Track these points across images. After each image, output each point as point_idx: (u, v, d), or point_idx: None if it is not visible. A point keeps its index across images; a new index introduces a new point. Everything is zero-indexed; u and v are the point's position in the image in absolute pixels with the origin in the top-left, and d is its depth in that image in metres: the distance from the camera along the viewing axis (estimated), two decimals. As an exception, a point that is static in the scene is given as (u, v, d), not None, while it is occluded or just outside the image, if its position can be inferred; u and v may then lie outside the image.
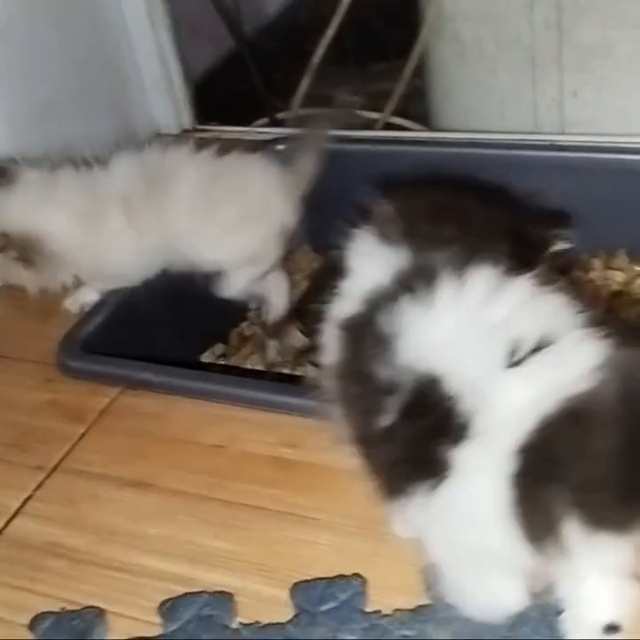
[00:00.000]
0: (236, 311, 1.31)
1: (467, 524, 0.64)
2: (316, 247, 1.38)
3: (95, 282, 1.13)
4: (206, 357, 1.23)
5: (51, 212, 1.08)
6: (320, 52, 1.51)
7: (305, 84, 1.54)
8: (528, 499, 0.61)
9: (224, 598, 0.74)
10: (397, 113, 1.59)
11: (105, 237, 1.08)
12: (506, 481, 0.61)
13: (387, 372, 0.67)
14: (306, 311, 1.10)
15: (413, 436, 0.66)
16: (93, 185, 1.10)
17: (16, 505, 0.88)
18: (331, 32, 1.50)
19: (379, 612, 0.72)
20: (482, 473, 0.62)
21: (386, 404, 0.67)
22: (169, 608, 0.74)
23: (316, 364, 1.08)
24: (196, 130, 1.50)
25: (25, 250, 1.07)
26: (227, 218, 1.11)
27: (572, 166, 1.26)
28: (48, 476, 0.90)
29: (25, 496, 0.89)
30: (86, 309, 1.10)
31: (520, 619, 0.69)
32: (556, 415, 0.60)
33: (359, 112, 1.61)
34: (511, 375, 0.63)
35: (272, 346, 1.24)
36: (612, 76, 1.27)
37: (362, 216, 0.74)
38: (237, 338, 1.28)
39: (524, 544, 0.61)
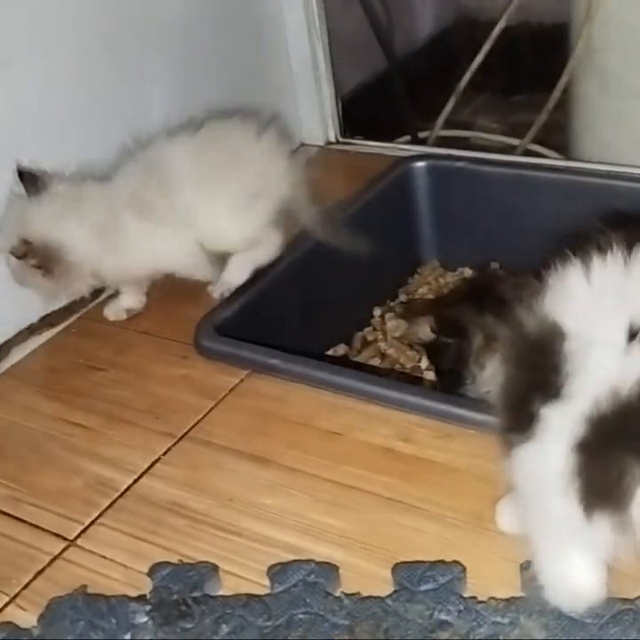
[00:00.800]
0: (361, 316, 1.37)
1: (536, 487, 0.68)
2: (444, 262, 1.43)
3: (122, 284, 1.19)
4: (329, 356, 1.29)
5: (72, 225, 1.12)
6: (467, 77, 1.56)
7: (449, 107, 1.59)
8: (594, 467, 0.63)
9: (329, 568, 0.79)
10: (538, 142, 1.62)
11: (124, 240, 1.13)
12: (574, 447, 0.64)
13: (531, 321, 0.71)
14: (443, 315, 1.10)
15: (523, 383, 0.70)
16: (107, 194, 1.15)
17: (144, 465, 0.95)
18: (479, 59, 1.55)
19: (474, 597, 0.75)
20: (556, 436, 0.65)
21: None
22: (277, 571, 0.79)
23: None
24: (339, 142, 1.57)
25: (45, 258, 1.11)
26: (229, 195, 1.14)
27: None
28: (176, 443, 0.97)
29: (153, 458, 0.95)
30: (226, 295, 1.16)
31: (612, 619, 0.71)
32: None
33: (500, 137, 1.65)
34: (615, 348, 0.66)
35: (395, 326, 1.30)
36: None
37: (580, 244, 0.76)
38: (360, 341, 1.33)
39: (583, 514, 0.64)
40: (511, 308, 0.75)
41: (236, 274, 1.17)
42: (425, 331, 1.06)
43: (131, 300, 1.20)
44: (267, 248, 1.18)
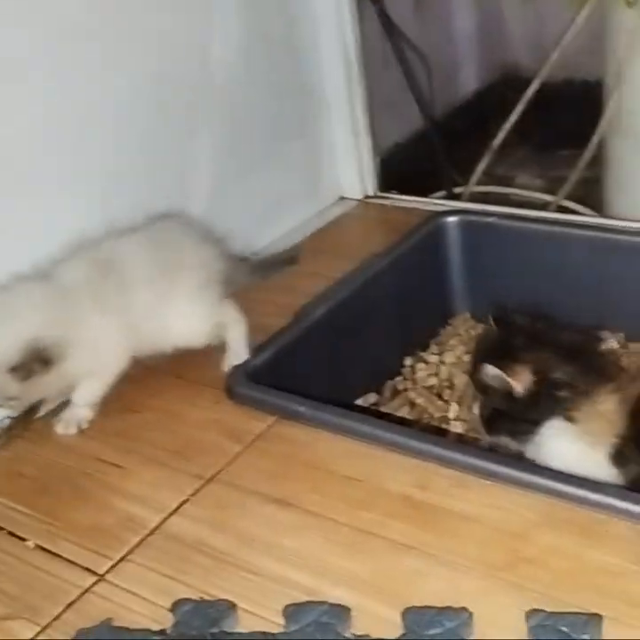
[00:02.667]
0: (392, 365, 1.40)
1: None
2: (475, 314, 1.47)
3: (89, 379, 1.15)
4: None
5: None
6: (501, 135, 1.61)
7: (483, 164, 1.63)
8: None
9: (342, 610, 0.82)
10: (574, 199, 1.65)
11: (85, 331, 1.11)
12: None
13: None
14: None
15: None
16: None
17: (174, 505, 0.99)
18: (513, 118, 1.59)
19: (479, 643, 0.78)
20: None
21: None
22: (292, 611, 0.83)
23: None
24: (377, 196, 1.62)
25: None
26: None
27: None
28: (204, 485, 1.01)
29: (182, 499, 1.00)
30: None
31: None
32: None
33: (534, 194, 1.69)
34: None
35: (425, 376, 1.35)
36: None
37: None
38: (390, 390, 1.36)
39: None
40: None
41: (240, 355, 1.20)
42: (524, 380, 1.07)
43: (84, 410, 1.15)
44: (237, 324, 1.22)
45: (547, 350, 1.08)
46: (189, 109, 1.36)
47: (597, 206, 1.62)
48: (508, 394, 1.07)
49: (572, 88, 1.91)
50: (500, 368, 1.07)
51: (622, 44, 1.35)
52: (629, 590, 0.81)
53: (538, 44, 1.82)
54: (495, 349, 1.12)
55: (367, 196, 1.63)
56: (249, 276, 1.33)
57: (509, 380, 1.07)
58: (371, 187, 1.62)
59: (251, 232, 1.45)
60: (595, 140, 1.49)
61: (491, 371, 1.07)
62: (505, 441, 1.10)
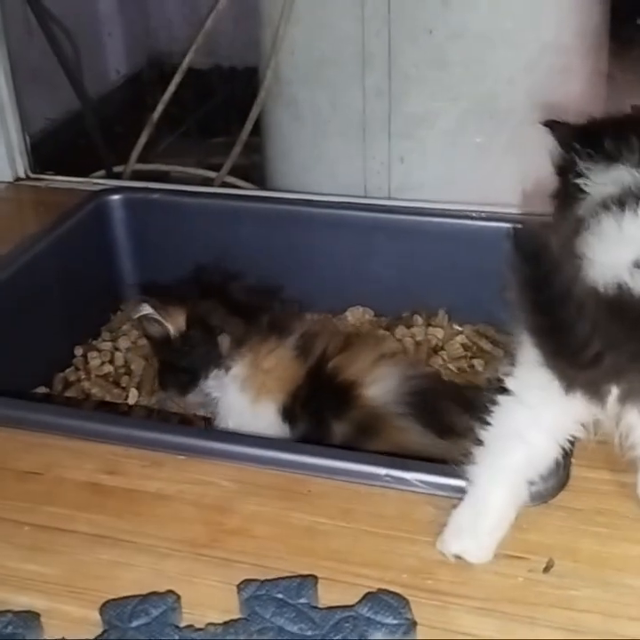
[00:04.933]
0: (61, 356, 1.29)
1: None
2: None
3: None
4: (28, 400, 1.20)
5: None
6: (159, 108, 1.55)
7: (142, 140, 1.56)
8: None
9: (30, 617, 0.72)
10: (239, 175, 1.63)
11: None
12: None
13: None
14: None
15: None
16: None
17: None
18: (171, 88, 1.54)
19: (191, 626, 0.71)
20: None
21: None
22: (-31, 629, 0.71)
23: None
24: (29, 178, 1.49)
25: None
26: None
27: (396, 228, 1.32)
28: None
29: None
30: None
31: (333, 628, 0.69)
32: None
33: (198, 171, 1.65)
34: None
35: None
36: (436, 145, 1.35)
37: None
38: (62, 382, 1.26)
39: None
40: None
41: None
42: (179, 323, 1.03)
43: None
44: None
45: (214, 301, 1.06)
46: None
47: (260, 180, 1.61)
48: (167, 340, 1.05)
49: (228, 66, 1.89)
50: (156, 310, 1.04)
51: (277, 10, 1.34)
52: (338, 547, 0.78)
53: (189, 20, 1.79)
54: (160, 297, 1.09)
55: (19, 179, 1.49)
56: None
57: (161, 318, 1.04)
58: (22, 168, 1.49)
59: None
60: (255, 111, 1.47)
61: (143, 309, 1.05)
62: (176, 398, 1.08)
